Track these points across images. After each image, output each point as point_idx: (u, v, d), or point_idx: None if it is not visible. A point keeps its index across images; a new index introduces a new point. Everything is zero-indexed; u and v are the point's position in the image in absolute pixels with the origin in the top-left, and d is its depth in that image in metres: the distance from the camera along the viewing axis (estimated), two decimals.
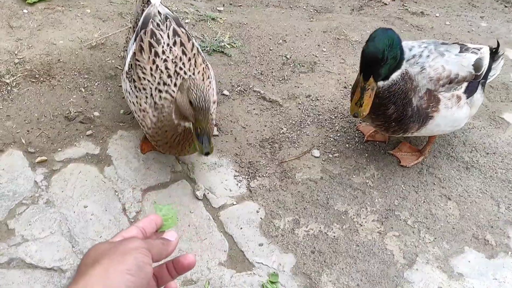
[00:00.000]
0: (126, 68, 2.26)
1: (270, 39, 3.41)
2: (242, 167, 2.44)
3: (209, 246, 2.08)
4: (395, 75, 2.07)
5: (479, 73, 2.31)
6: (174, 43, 2.21)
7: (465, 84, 2.28)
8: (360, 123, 2.70)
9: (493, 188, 2.48)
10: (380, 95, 2.07)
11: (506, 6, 4.49)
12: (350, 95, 2.36)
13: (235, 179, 2.37)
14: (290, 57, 3.25)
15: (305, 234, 2.16)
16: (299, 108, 2.84)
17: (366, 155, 2.59)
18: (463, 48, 2.32)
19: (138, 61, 2.17)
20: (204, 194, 2.27)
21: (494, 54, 2.50)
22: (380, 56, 1.93)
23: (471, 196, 2.42)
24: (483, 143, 2.74)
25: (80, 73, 2.77)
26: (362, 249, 2.13)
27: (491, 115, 2.97)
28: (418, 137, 2.74)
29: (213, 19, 3.50)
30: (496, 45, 2.55)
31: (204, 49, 3.16)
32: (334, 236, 2.16)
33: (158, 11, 2.31)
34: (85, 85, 2.71)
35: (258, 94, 2.90)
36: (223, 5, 3.87)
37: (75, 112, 2.54)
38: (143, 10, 2.35)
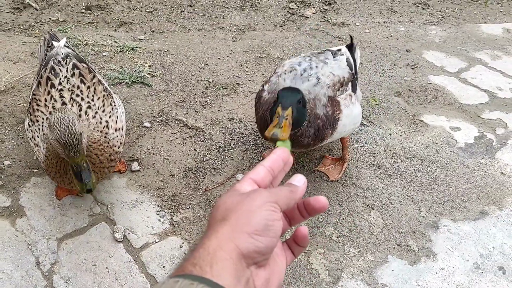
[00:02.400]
0: (28, 106, 2.22)
1: (192, 64, 3.39)
2: (165, 201, 2.38)
3: None
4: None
5: (353, 71, 2.47)
6: (73, 75, 2.20)
7: (350, 84, 2.42)
8: (265, 150, 2.71)
9: (414, 192, 2.54)
10: None
11: (423, 9, 4.68)
12: (256, 117, 2.37)
13: (158, 214, 2.32)
14: (213, 81, 3.24)
15: None
16: (222, 133, 2.82)
17: (291, 173, 2.59)
18: (333, 52, 2.49)
19: (35, 95, 2.14)
20: (124, 235, 2.19)
21: (351, 48, 2.65)
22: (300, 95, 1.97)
23: (393, 203, 2.47)
24: (403, 148, 2.81)
25: None
26: (287, 272, 2.11)
27: (411, 119, 3.06)
28: (335, 147, 2.78)
29: (132, 49, 3.45)
30: (351, 40, 2.72)
31: (123, 82, 3.10)
32: None
33: (61, 52, 2.31)
34: None
35: (181, 122, 2.87)
36: (145, 33, 3.83)
37: None
38: (46, 55, 2.34)
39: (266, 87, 2.34)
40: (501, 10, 4.70)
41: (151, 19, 4.07)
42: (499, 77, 3.56)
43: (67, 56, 2.30)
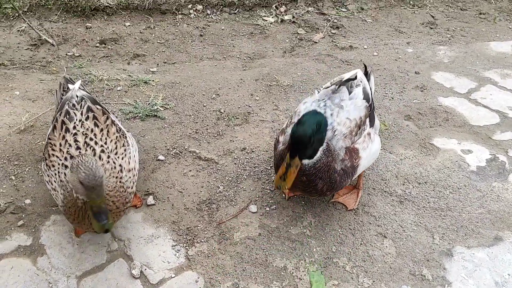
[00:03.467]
0: (43, 150, 2.31)
1: (204, 94, 3.47)
2: (180, 235, 2.43)
3: None
4: (319, 153, 2.15)
5: (370, 102, 2.46)
6: (87, 118, 2.28)
7: (367, 120, 2.40)
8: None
9: (427, 219, 2.54)
10: (307, 173, 2.15)
11: (431, 28, 4.71)
12: (274, 167, 2.43)
13: (173, 249, 2.37)
14: (224, 111, 3.31)
15: None
16: (235, 163, 2.88)
17: (303, 203, 2.63)
18: (349, 87, 2.45)
19: (50, 139, 2.23)
20: (141, 271, 2.24)
21: (366, 74, 2.66)
22: (306, 140, 2.03)
23: (406, 230, 2.48)
24: (414, 173, 2.82)
25: (10, 161, 2.74)
26: None
27: (421, 143, 3.08)
28: None
29: (145, 82, 3.55)
30: (364, 68, 2.73)
31: (137, 116, 3.18)
32: None
33: (76, 95, 2.40)
34: (16, 173, 2.68)
35: (194, 154, 2.93)
36: (157, 64, 3.93)
37: (5, 204, 2.50)
38: (62, 98, 2.43)
39: (281, 139, 2.39)
40: (510, 27, 4.71)
41: (163, 50, 4.18)
42: (509, 97, 3.56)
43: (82, 99, 2.38)
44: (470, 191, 2.71)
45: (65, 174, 2.07)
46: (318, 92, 2.52)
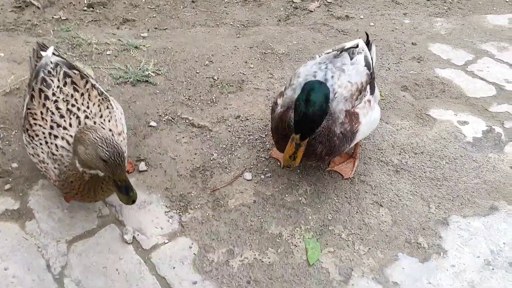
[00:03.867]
0: (22, 121, 2.17)
1: (196, 61, 3.37)
2: (173, 201, 2.38)
3: None
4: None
5: (371, 71, 2.41)
6: (65, 84, 2.16)
7: (368, 87, 2.35)
8: (272, 148, 2.69)
9: (423, 188, 2.53)
10: None
11: (428, 0, 4.63)
12: (271, 130, 2.35)
13: (166, 215, 2.31)
14: (218, 78, 3.22)
15: (240, 264, 2.13)
16: (229, 131, 2.81)
17: (298, 171, 2.58)
18: (351, 53, 2.39)
19: (29, 109, 2.09)
20: (133, 237, 2.19)
21: (368, 44, 2.60)
22: (319, 121, 1.98)
23: (402, 199, 2.46)
24: (411, 144, 2.79)
25: None
26: (297, 271, 2.11)
27: (418, 113, 3.04)
28: None
29: (136, 47, 3.43)
30: (366, 37, 2.67)
31: (128, 81, 3.08)
32: (269, 262, 2.14)
33: (50, 61, 2.26)
34: (1, 136, 2.58)
35: (187, 121, 2.85)
36: (148, 30, 3.80)
37: None
38: (36, 66, 2.28)
39: (279, 101, 2.31)
40: (507, 0, 4.65)
41: (154, 15, 4.04)
42: (506, 69, 3.53)
43: (57, 65, 2.24)
44: (466, 162, 2.69)
45: (56, 145, 1.97)
46: (320, 56, 2.45)
